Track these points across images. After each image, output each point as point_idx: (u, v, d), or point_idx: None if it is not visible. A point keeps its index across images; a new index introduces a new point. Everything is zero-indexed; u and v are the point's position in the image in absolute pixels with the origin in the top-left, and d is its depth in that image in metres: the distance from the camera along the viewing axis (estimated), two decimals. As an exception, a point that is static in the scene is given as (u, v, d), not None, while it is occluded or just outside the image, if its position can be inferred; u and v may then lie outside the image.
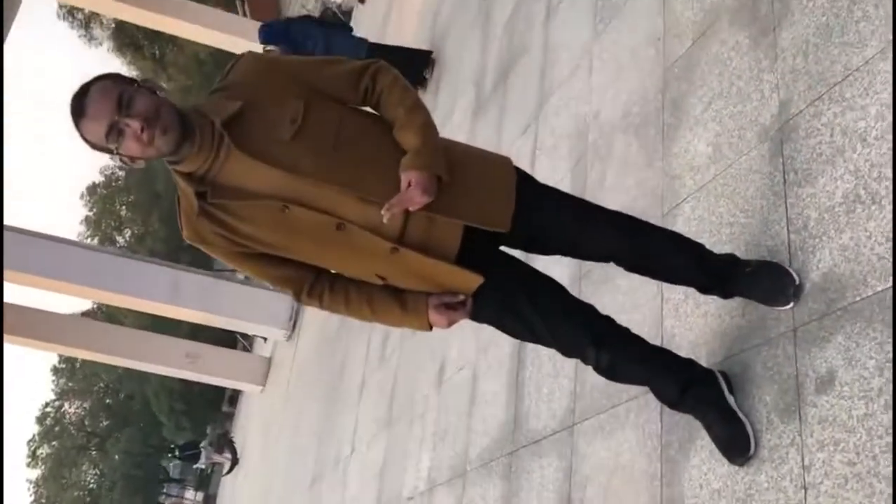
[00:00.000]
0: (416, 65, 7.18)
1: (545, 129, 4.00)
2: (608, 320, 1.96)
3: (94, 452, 45.42)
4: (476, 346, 4.10)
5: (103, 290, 13.56)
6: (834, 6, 2.11)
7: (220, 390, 23.84)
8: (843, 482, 1.68)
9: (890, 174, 1.80)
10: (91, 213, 40.34)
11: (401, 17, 9.47)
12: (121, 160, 1.69)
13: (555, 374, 3.17)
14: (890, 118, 1.84)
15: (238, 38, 14.02)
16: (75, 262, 12.88)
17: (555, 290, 1.91)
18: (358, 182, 1.69)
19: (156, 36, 27.41)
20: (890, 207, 1.78)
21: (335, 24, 7.20)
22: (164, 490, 42.23)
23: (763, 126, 2.30)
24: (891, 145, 1.82)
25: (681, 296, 2.47)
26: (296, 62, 1.82)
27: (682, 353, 2.37)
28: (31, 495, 47.81)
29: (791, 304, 1.97)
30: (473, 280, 1.76)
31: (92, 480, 46.55)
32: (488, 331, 2.08)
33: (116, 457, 41.93)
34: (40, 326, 14.68)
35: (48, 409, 46.33)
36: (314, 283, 1.85)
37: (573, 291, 3.03)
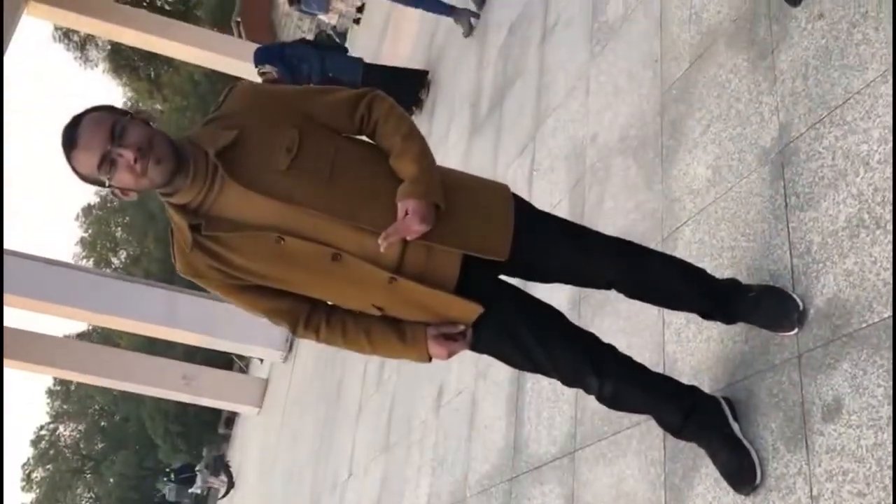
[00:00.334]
0: (411, 85, 7.19)
1: (542, 151, 3.98)
2: (610, 348, 1.93)
3: (88, 475, 45.04)
4: (475, 370, 4.06)
5: (98, 313, 13.50)
6: (833, 29, 2.10)
7: (216, 412, 23.66)
8: (853, 514, 1.64)
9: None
10: (86, 234, 40.28)
11: (396, 38, 9.50)
12: (113, 192, 1.66)
13: (555, 399, 3.13)
14: (892, 142, 1.82)
15: (233, 59, 14.06)
16: (70, 285, 12.83)
17: (555, 319, 1.88)
18: (354, 211, 1.66)
19: (151, 57, 27.50)
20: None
21: (330, 47, 7.20)
22: (160, 513, 41.78)
23: (763, 149, 2.28)
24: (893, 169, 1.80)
25: (682, 320, 2.44)
26: (290, 91, 1.80)
27: (685, 379, 2.34)
28: (25, 520, 47.30)
29: (795, 330, 1.94)
30: (473, 310, 1.73)
31: (87, 504, 46.08)
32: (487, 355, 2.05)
33: (111, 479, 41.58)
34: (35, 349, 14.58)
35: (43, 432, 45.97)
36: (310, 316, 1.81)
37: (572, 315, 3.03)
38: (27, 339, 14.43)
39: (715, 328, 2.26)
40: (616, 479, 2.56)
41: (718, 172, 2.47)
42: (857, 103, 1.96)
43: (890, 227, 1.77)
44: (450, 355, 1.77)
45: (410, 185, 1.68)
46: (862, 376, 1.72)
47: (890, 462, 1.60)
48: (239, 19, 20.74)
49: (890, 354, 1.68)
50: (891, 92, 1.86)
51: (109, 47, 29.58)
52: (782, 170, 2.17)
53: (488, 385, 3.89)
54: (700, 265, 2.40)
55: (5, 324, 14.46)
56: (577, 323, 2.96)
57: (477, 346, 1.81)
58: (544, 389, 3.24)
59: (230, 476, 16.67)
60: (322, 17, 8.76)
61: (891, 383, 1.65)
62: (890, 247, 1.76)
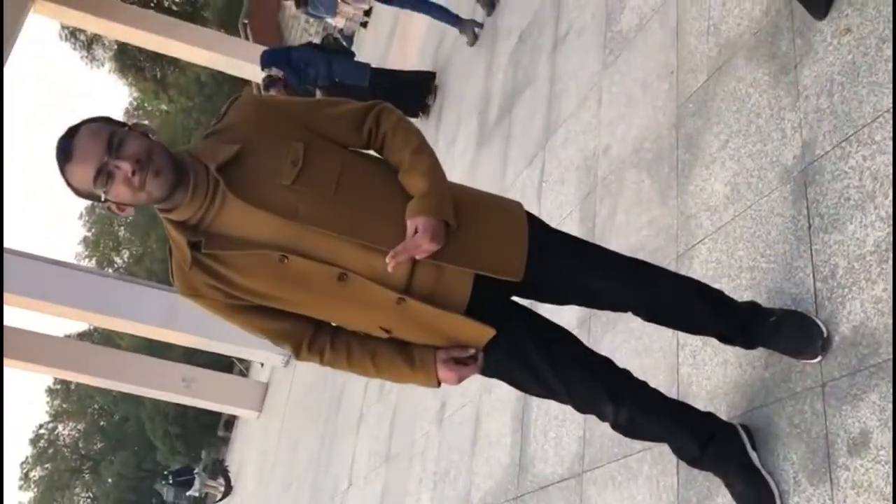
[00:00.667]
0: (418, 91, 7.13)
1: (552, 162, 3.91)
2: (625, 374, 1.85)
3: (87, 475, 44.97)
4: (479, 383, 3.98)
5: (99, 314, 13.45)
6: (861, 45, 2.02)
7: (215, 415, 23.62)
8: (881, 555, 1.56)
9: (926, 223, 1.70)
10: (89, 234, 40.28)
11: (403, 42, 9.44)
12: (108, 207, 1.58)
13: (562, 418, 3.05)
14: (925, 163, 1.74)
15: (240, 61, 14.03)
16: (71, 286, 12.78)
17: (569, 343, 1.80)
18: (361, 229, 1.58)
19: (157, 58, 27.48)
20: (927, 259, 1.67)
21: (337, 51, 7.14)
22: (157, 515, 41.71)
23: (785, 167, 2.20)
24: (926, 192, 1.72)
25: (698, 342, 2.36)
26: (295, 103, 1.73)
27: (700, 404, 2.27)
28: (22, 518, 47.23)
29: (819, 358, 1.86)
30: (485, 333, 1.65)
31: (85, 504, 46.00)
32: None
33: (109, 480, 41.52)
34: (35, 349, 14.54)
35: (42, 431, 45.92)
36: (314, 338, 1.73)
37: (581, 333, 2.96)
38: (27, 339, 14.38)
39: (732, 351, 2.18)
40: (626, 504, 2.47)
41: (737, 189, 2.39)
42: (886, 122, 1.88)
43: (922, 253, 1.69)
44: (460, 380, 1.69)
45: (420, 201, 1.61)
46: (892, 410, 1.64)
47: (921, 502, 1.53)
48: (246, 21, 20.72)
49: (921, 387, 1.60)
50: (923, 111, 1.79)
51: (116, 47, 29.58)
52: (805, 189, 2.09)
53: (493, 400, 3.81)
54: (717, 285, 2.32)
55: (6, 323, 14.42)
56: (586, 341, 2.91)
57: (487, 371, 1.73)
58: (551, 407, 3.16)
59: (228, 480, 16.58)
60: (329, 20, 8.72)
61: (922, 418, 1.58)
62: (922, 274, 1.68)
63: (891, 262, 1.76)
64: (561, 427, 3.06)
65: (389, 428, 5.56)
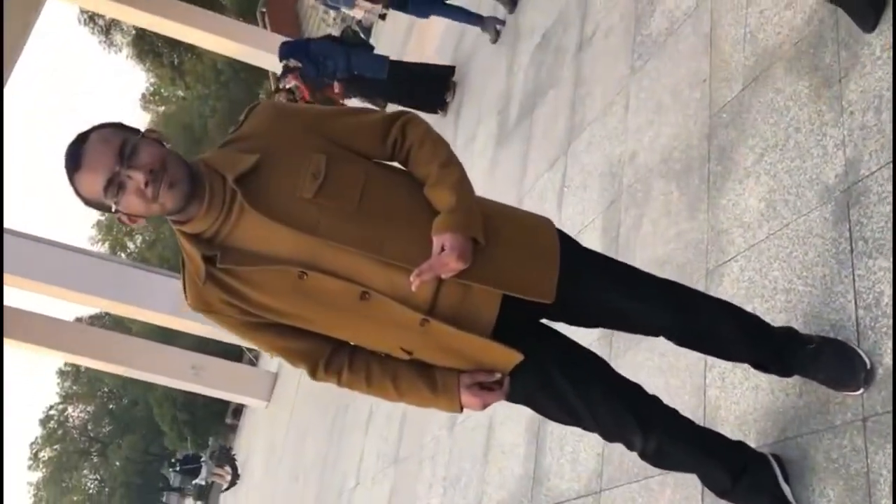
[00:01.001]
0: (437, 86, 7.04)
1: (574, 167, 3.81)
2: (655, 402, 1.76)
3: (95, 458, 45.28)
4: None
5: (110, 300, 13.46)
6: (913, 60, 1.92)
7: (224, 402, 23.65)
8: None
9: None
10: (103, 217, 40.39)
11: (422, 36, 9.33)
12: (119, 219, 1.51)
13: (580, 432, 2.94)
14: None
15: (257, 50, 13.97)
16: (83, 271, 12.79)
17: (598, 369, 1.72)
18: (384, 245, 1.50)
19: (175, 44, 27.48)
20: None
21: (356, 44, 7.05)
22: (164, 499, 42.01)
23: (826, 185, 2.10)
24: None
25: (728, 364, 2.27)
26: (316, 111, 1.64)
27: (727, 429, 2.18)
28: (31, 498, 47.68)
29: (861, 391, 1.77)
30: (513, 358, 1.56)
31: (92, 486, 46.38)
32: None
33: (117, 463, 41.79)
34: (46, 333, 14.58)
35: (52, 412, 46.26)
36: (331, 358, 1.65)
37: (603, 348, 2.87)
38: (38, 322, 14.42)
39: (765, 377, 2.08)
40: (646, 528, 2.39)
41: (773, 207, 2.29)
42: (939, 144, 1.78)
43: (977, 286, 1.59)
44: (484, 407, 1.61)
45: (447, 216, 1.52)
46: (940, 452, 1.55)
47: (972, 554, 1.44)
48: (264, 10, 20.64)
49: (974, 430, 1.51)
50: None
51: (134, 32, 29.60)
52: (848, 210, 2.00)
53: (507, 408, 3.72)
54: (749, 305, 2.24)
55: (17, 305, 14.47)
56: (607, 357, 2.82)
57: (512, 397, 1.65)
58: (569, 421, 3.07)
59: (235, 469, 16.60)
60: (347, 11, 8.62)
61: (975, 464, 1.48)
62: (977, 309, 1.58)
63: (942, 293, 1.67)
64: (578, 442, 2.97)
65: (399, 429, 5.50)
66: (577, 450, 2.96)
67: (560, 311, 1.65)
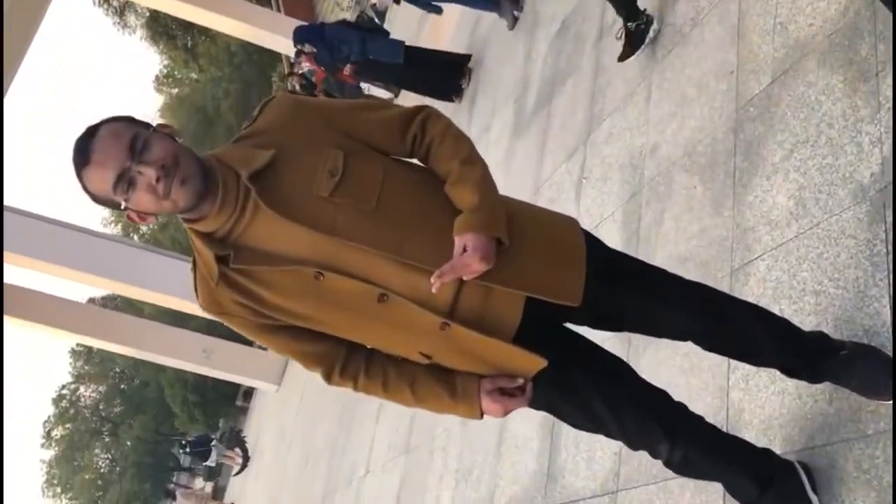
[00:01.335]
0: (452, 72, 6.95)
1: (594, 158, 3.74)
2: (682, 409, 1.71)
3: (106, 438, 45.68)
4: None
5: (121, 283, 13.48)
6: (957, 56, 1.84)
7: (234, 384, 23.76)
8: None
9: None
10: (116, 200, 40.49)
11: (438, 21, 9.22)
12: (129, 216, 1.45)
13: (597, 430, 2.91)
14: None
15: (271, 33, 13.90)
16: (95, 253, 12.80)
17: (624, 375, 1.66)
18: (403, 245, 1.44)
19: (189, 26, 27.43)
20: None
21: (371, 29, 6.97)
22: (174, 479, 42.36)
23: (860, 184, 2.03)
24: None
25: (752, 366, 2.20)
26: (333, 106, 1.58)
27: (751, 433, 2.12)
28: (43, 475, 48.19)
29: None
30: (536, 363, 1.51)
31: (104, 465, 46.83)
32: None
33: (128, 443, 42.15)
34: (59, 314, 14.66)
35: (64, 392, 46.65)
36: (347, 362, 1.59)
37: (623, 346, 2.81)
38: (50, 304, 14.49)
39: (792, 381, 2.02)
40: (665, 532, 2.34)
41: (802, 205, 2.22)
42: (983, 144, 1.71)
43: None
44: (506, 413, 1.55)
45: (470, 216, 1.46)
46: (981, 468, 1.49)
47: None
48: (278, -8, 20.51)
49: None
50: None
51: (147, 14, 29.55)
52: (884, 211, 1.92)
53: (522, 402, 3.68)
54: (777, 306, 2.17)
55: (29, 286, 14.53)
56: (627, 355, 2.76)
57: (534, 403, 1.59)
58: (585, 418, 3.02)
59: (245, 452, 16.67)
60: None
61: None
62: None
63: (984, 301, 1.60)
64: (594, 439, 2.92)
65: (410, 419, 5.46)
66: (593, 448, 2.90)
67: (585, 315, 1.59)
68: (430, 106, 1.59)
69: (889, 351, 1.77)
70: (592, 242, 1.62)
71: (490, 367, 1.53)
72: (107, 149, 1.36)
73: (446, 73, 6.98)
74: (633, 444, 1.67)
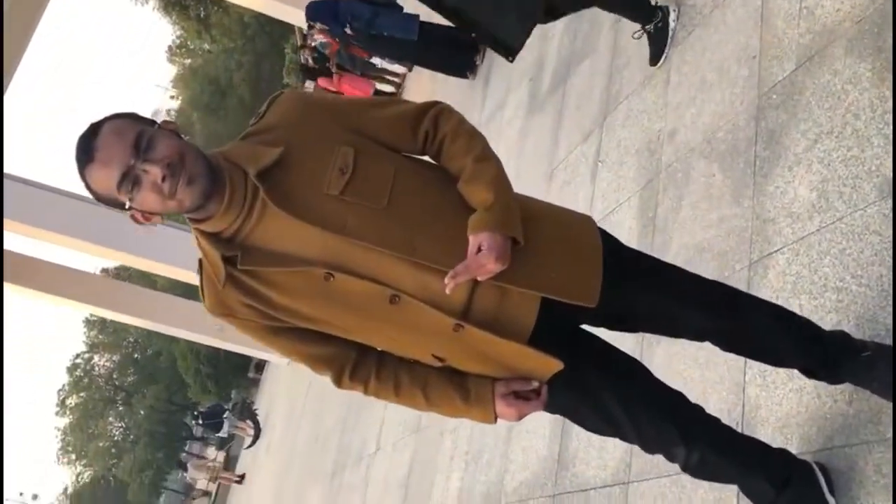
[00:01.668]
0: (467, 49, 6.86)
1: (610, 141, 3.67)
2: (698, 412, 1.67)
3: (120, 407, 46.26)
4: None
5: (133, 255, 13.53)
6: None
7: (247, 356, 23.95)
8: None
9: None
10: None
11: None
12: (133, 216, 1.42)
13: (609, 420, 2.88)
14: None
15: (284, 4, 13.75)
16: (108, 225, 12.81)
17: (640, 377, 1.63)
18: (416, 245, 1.40)
19: (201, -3, 27.27)
20: None
21: (385, 4, 6.87)
22: (187, 448, 42.90)
23: (886, 178, 1.97)
24: None
25: (770, 363, 2.16)
26: (343, 102, 1.54)
27: (767, 430, 2.09)
28: (58, 442, 48.94)
29: (919, 404, 1.66)
30: (552, 366, 1.47)
31: (117, 433, 47.48)
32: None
33: (142, 412, 42.68)
34: (71, 285, 14.76)
35: (78, 361, 47.21)
36: (357, 365, 1.56)
37: (637, 339, 2.76)
38: (63, 274, 14.58)
39: (811, 380, 1.98)
40: (677, 527, 2.32)
41: (825, 198, 2.16)
42: None
43: None
44: (520, 417, 1.52)
45: (484, 215, 1.42)
46: None
47: None
48: (291, -37, 20.30)
49: None
50: None
51: (160, -16, 29.42)
52: (911, 208, 1.86)
53: (533, 387, 3.66)
54: (796, 301, 2.13)
55: (41, 257, 14.61)
56: (640, 348, 2.72)
57: (550, 406, 1.55)
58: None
59: (257, 424, 16.81)
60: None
61: None
62: None
63: None
64: (606, 429, 2.89)
65: (421, 399, 5.45)
66: (605, 438, 2.87)
67: (601, 316, 1.56)
68: (442, 101, 1.55)
69: (913, 353, 1.72)
70: (609, 241, 1.58)
71: (504, 370, 1.50)
72: (110, 147, 1.32)
73: (460, 49, 6.88)
74: (649, 448, 1.64)
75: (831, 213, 2.12)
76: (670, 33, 3.30)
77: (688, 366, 2.50)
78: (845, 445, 1.83)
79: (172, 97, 46.32)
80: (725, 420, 2.20)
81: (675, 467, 2.42)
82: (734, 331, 1.67)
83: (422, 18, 6.94)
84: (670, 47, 3.33)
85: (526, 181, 4.54)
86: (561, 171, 4.13)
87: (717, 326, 1.63)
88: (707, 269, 2.56)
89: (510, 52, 3.32)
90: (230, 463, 22.75)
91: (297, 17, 12.63)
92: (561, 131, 4.37)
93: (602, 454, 2.88)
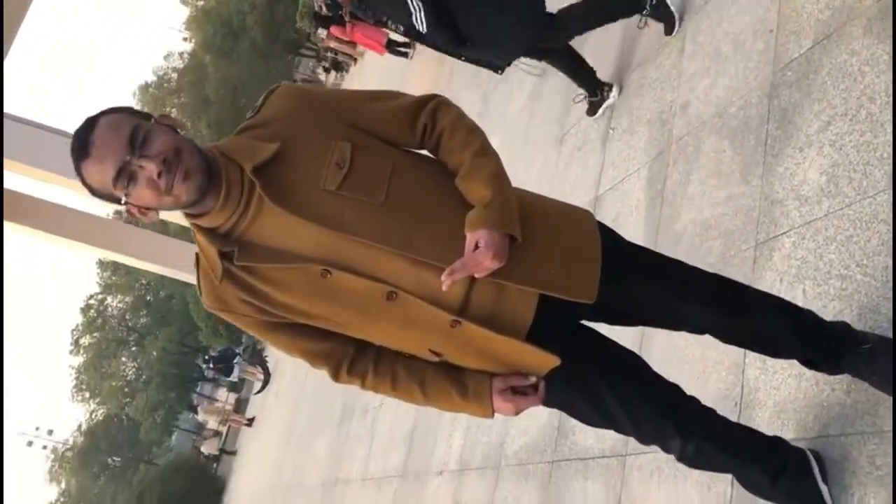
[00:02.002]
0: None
1: (622, 109, 3.62)
2: (693, 403, 1.68)
3: (133, 347, 46.95)
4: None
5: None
6: None
7: (257, 302, 24.08)
8: None
9: None
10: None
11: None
12: (129, 211, 1.41)
13: (610, 392, 2.91)
14: None
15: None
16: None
17: (637, 371, 1.63)
18: (413, 241, 1.39)
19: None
20: None
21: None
22: (198, 389, 43.67)
23: (897, 167, 1.94)
24: None
25: (770, 347, 2.16)
26: (340, 96, 1.51)
27: (764, 415, 2.10)
28: (73, 380, 49.85)
29: (916, 399, 1.66)
30: (549, 362, 1.47)
31: (130, 373, 48.30)
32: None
33: (154, 353, 43.33)
34: (83, 229, 14.86)
35: (92, 301, 47.80)
36: (354, 360, 1.56)
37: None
38: (75, 217, 14.67)
39: (810, 367, 1.98)
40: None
41: (835, 183, 2.13)
42: None
43: None
44: (518, 412, 1.52)
45: (482, 211, 1.40)
46: None
47: None
48: None
49: None
50: None
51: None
52: (921, 199, 1.84)
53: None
54: (799, 286, 2.12)
55: (57, 201, 14.68)
56: (642, 329, 2.72)
57: (548, 401, 1.56)
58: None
59: (266, 370, 17.05)
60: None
61: None
62: None
63: None
64: (607, 401, 2.92)
65: (426, 357, 5.51)
66: (605, 409, 2.90)
67: (600, 312, 1.55)
68: (439, 95, 1.52)
69: (913, 347, 1.71)
70: (608, 236, 1.56)
71: (502, 366, 1.50)
72: (106, 142, 1.31)
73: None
74: (645, 440, 1.65)
75: (840, 198, 2.10)
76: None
77: (688, 343, 2.50)
78: (841, 435, 1.84)
79: (185, 39, 45.89)
80: (723, 401, 2.23)
81: (673, 444, 2.45)
82: (739, 327, 1.66)
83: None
84: (684, 20, 3.27)
85: (535, 146, 4.50)
86: (571, 137, 4.09)
87: (719, 320, 1.63)
88: (713, 248, 2.55)
89: (497, 69, 3.53)
90: (240, 406, 23.16)
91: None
92: (572, 95, 4.30)
93: (601, 425, 2.90)
